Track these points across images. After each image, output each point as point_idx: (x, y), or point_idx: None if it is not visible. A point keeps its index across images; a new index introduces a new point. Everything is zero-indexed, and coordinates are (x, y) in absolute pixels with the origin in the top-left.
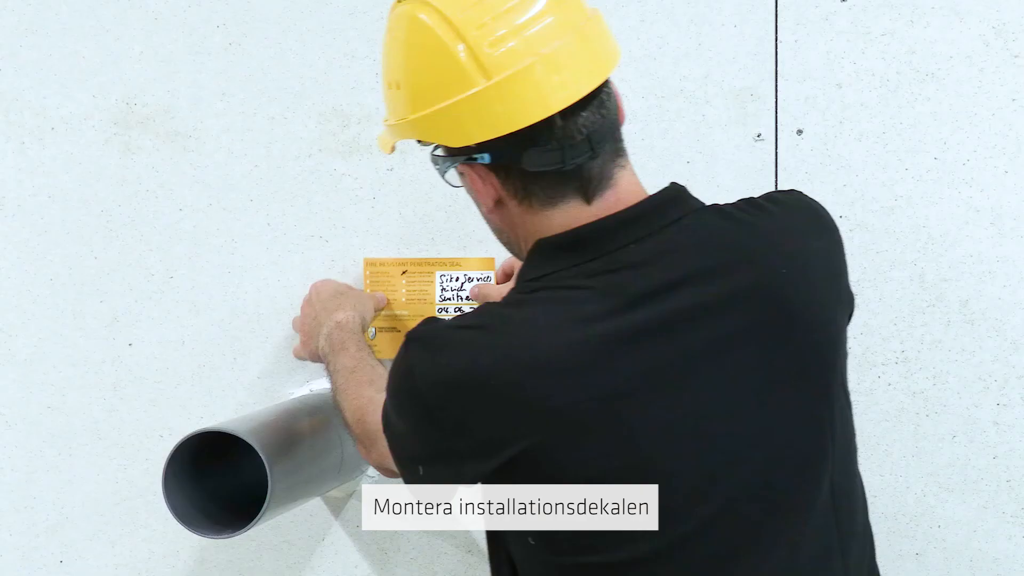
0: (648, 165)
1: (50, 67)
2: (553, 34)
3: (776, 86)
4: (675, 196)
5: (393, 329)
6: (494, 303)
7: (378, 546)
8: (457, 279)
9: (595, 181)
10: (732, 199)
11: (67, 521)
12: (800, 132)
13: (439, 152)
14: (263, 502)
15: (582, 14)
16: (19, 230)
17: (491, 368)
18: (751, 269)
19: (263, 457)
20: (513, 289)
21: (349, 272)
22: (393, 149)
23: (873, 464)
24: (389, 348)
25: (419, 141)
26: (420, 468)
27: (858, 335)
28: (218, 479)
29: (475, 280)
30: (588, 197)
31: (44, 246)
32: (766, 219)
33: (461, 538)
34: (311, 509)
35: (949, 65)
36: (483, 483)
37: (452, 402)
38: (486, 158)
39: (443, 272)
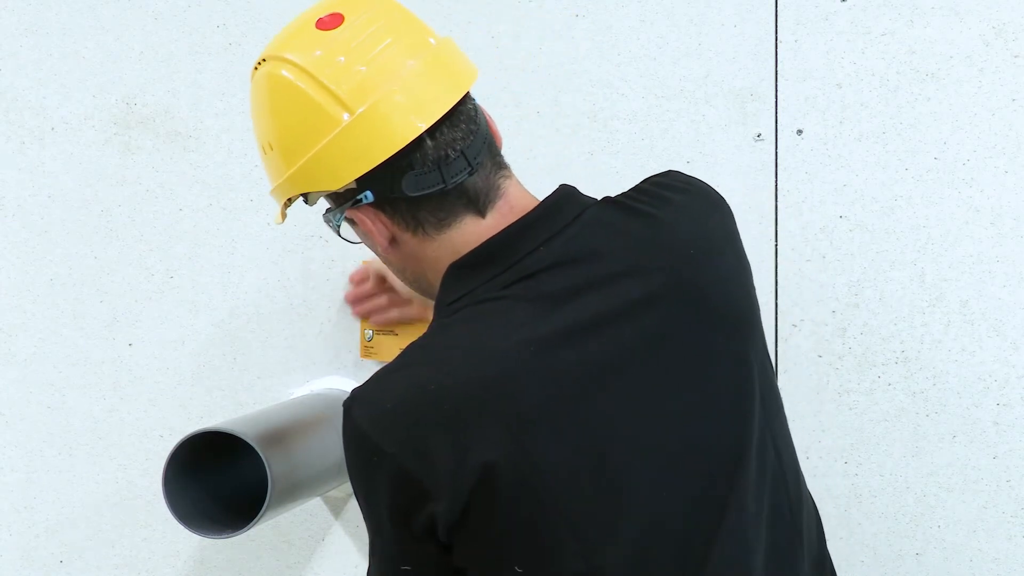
0: (648, 165)
1: (50, 67)
2: (404, 59)
3: (776, 86)
4: (568, 195)
5: (390, 332)
6: (415, 341)
7: None
8: None
9: (482, 195)
10: (732, 199)
11: (67, 521)
12: (800, 132)
13: (327, 207)
14: (263, 502)
15: (429, 38)
16: (19, 230)
17: (439, 392)
18: (665, 262)
19: (263, 457)
20: (433, 320)
21: (349, 272)
22: (284, 217)
23: (873, 464)
24: (387, 351)
25: (305, 200)
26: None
27: (858, 335)
28: (218, 479)
29: None
30: (481, 211)
31: (44, 246)
32: (669, 210)
33: None
34: (311, 509)
35: (949, 65)
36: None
37: (411, 436)
38: (369, 196)
39: None
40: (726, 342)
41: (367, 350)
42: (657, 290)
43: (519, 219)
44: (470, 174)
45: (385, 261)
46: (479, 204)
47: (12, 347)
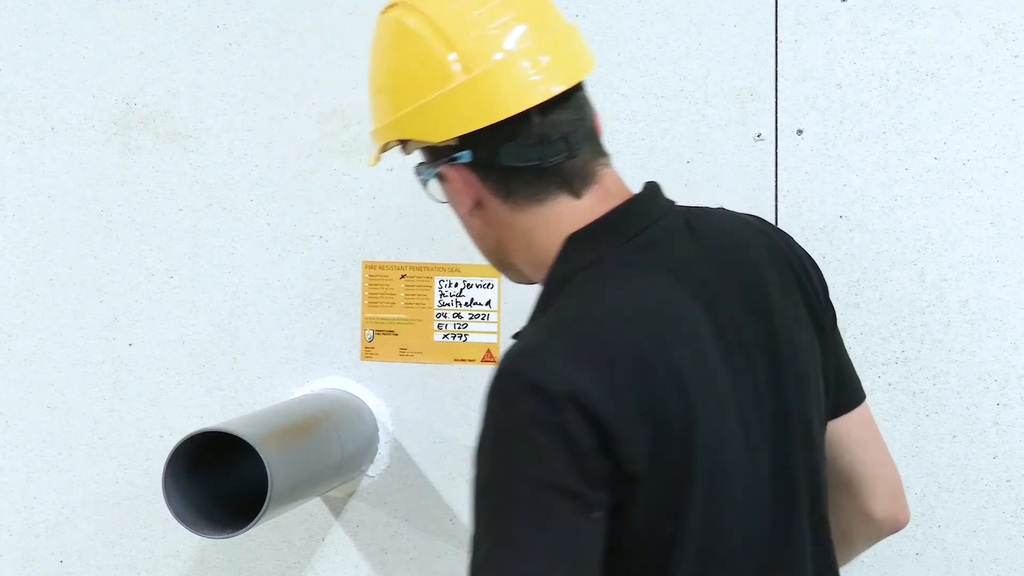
0: (648, 165)
1: (50, 67)
2: (529, 33)
3: (776, 86)
4: (660, 189)
5: (391, 332)
6: (563, 300)
7: (378, 546)
8: (456, 285)
9: (578, 178)
10: (732, 199)
11: (67, 521)
12: (800, 132)
13: (421, 159)
14: (263, 502)
15: (559, 22)
16: (19, 230)
17: (604, 338)
18: (753, 260)
19: (263, 457)
20: (551, 284)
21: (349, 273)
22: (377, 160)
23: None
24: (387, 351)
25: (402, 148)
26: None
27: (858, 335)
28: (218, 479)
29: (474, 286)
30: (576, 192)
31: (44, 246)
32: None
33: (461, 538)
34: (311, 509)
35: (949, 65)
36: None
37: (592, 378)
38: (466, 156)
39: (442, 277)
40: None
41: (367, 350)
42: (742, 282)
43: (625, 201)
44: (568, 158)
45: (466, 225)
46: (573, 186)
47: (12, 347)
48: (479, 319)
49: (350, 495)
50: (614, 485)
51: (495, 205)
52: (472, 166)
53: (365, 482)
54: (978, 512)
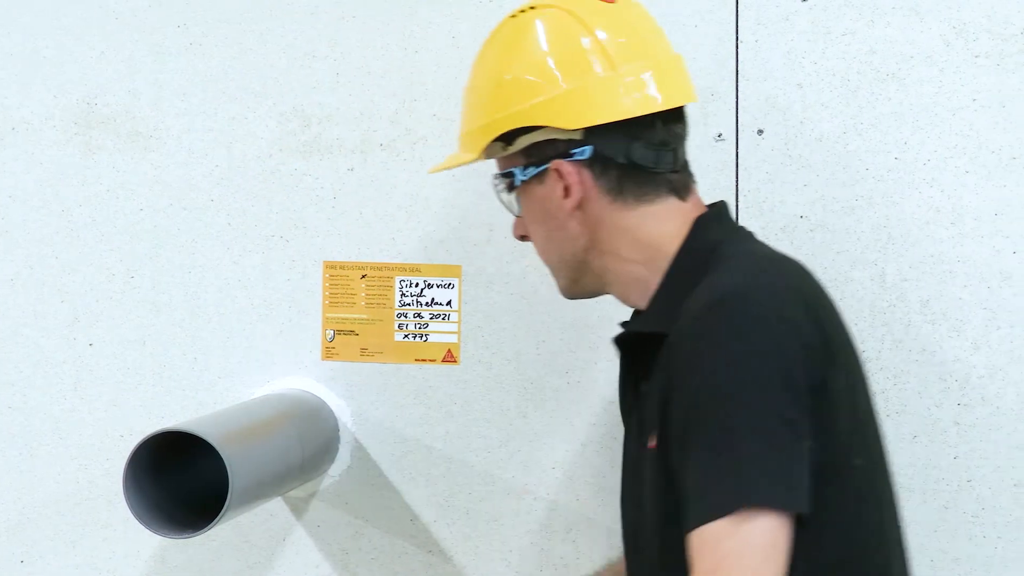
0: None
1: (10, 67)
2: (661, 47)
3: (737, 86)
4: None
5: (351, 332)
6: (727, 263)
7: (339, 546)
8: (417, 285)
9: (680, 187)
10: None
11: (28, 521)
12: (761, 132)
13: (505, 168)
14: (224, 502)
15: (671, 50)
16: None
17: (790, 282)
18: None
19: (224, 457)
20: (718, 250)
21: (310, 273)
22: (482, 155)
23: None
24: (348, 352)
25: (503, 144)
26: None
27: None
28: (179, 479)
29: (435, 286)
30: (681, 196)
31: (5, 246)
32: None
33: (422, 538)
34: (272, 509)
35: (910, 65)
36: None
37: (802, 306)
38: (587, 152)
39: (403, 277)
40: None
41: (328, 350)
42: None
43: (717, 203)
44: (673, 171)
45: (552, 229)
46: (679, 192)
47: None
48: (440, 319)
49: (311, 495)
50: (814, 416)
51: (601, 204)
52: (588, 163)
53: (326, 482)
54: (939, 512)
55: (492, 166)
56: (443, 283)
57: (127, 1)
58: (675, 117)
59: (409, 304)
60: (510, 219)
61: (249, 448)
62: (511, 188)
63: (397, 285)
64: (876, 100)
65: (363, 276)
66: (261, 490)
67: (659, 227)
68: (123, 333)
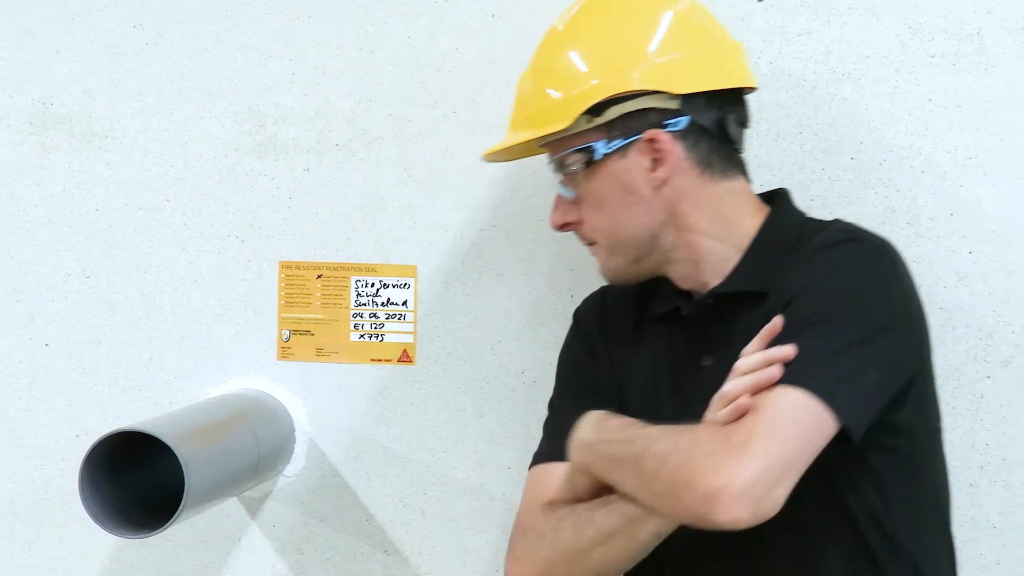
0: None
1: None
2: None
3: None
4: None
5: (307, 332)
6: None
7: (295, 546)
8: (372, 285)
9: (746, 168)
10: None
11: None
12: None
13: (608, 129)
14: (180, 502)
15: None
16: None
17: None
18: None
19: (179, 457)
20: (808, 219)
21: (265, 273)
22: (571, 122)
23: None
24: (304, 352)
25: (588, 116)
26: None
27: None
28: (135, 479)
29: (390, 286)
30: (748, 177)
31: None
32: None
33: (378, 537)
34: (227, 509)
35: (866, 65)
36: None
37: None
38: (682, 123)
39: (358, 277)
40: None
41: (284, 350)
42: None
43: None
44: (738, 152)
45: (627, 206)
46: (746, 173)
47: None
48: (395, 319)
49: (266, 495)
50: (923, 373)
51: (689, 177)
52: (682, 134)
53: (281, 482)
54: None
55: (439, 168)
56: (399, 283)
57: (83, 1)
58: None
59: (365, 304)
60: (465, 220)
61: (205, 448)
62: (588, 163)
63: (353, 285)
64: (832, 100)
65: (319, 276)
66: (217, 490)
67: (738, 204)
68: (79, 333)
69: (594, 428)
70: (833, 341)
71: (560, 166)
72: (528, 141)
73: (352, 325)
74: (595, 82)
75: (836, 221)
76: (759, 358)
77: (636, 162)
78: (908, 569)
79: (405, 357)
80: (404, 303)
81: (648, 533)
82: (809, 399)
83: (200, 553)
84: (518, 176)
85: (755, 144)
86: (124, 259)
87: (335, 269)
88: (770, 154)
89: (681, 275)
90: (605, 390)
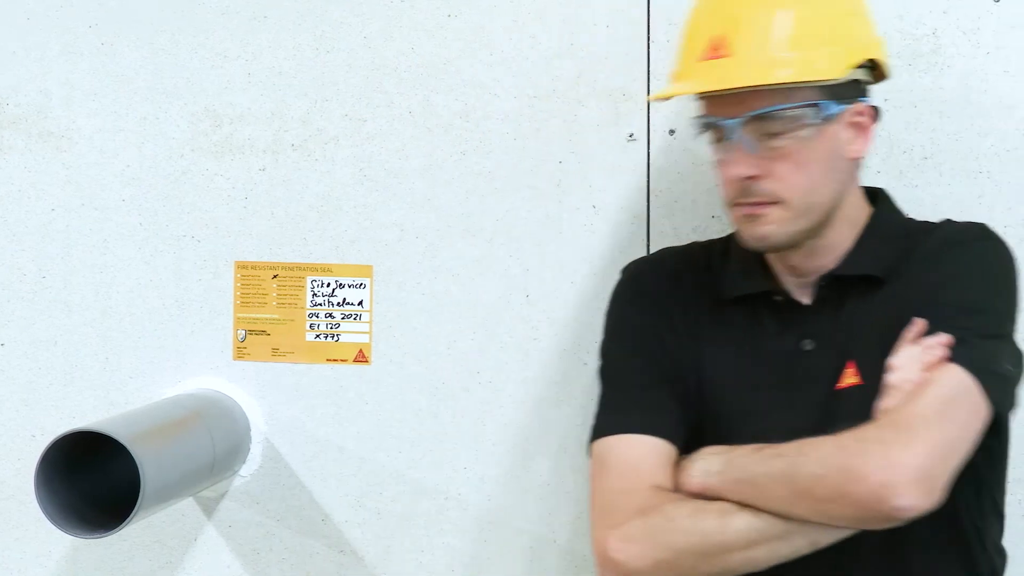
0: (520, 165)
1: None
2: None
3: (648, 86)
4: None
5: (263, 332)
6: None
7: (250, 546)
8: (328, 285)
9: None
10: (605, 199)
11: None
12: (672, 132)
13: (833, 91)
14: (136, 502)
15: None
16: None
17: None
18: None
19: (135, 457)
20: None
21: (221, 273)
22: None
23: None
24: (259, 352)
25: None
26: None
27: None
28: (90, 479)
29: (346, 286)
30: None
31: None
32: None
33: (334, 537)
34: (183, 509)
35: None
36: None
37: None
38: (870, 100)
39: (314, 277)
40: None
41: (239, 350)
42: None
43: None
44: None
45: (827, 172)
46: None
47: None
48: (351, 319)
49: (222, 495)
50: None
51: (863, 156)
52: (875, 111)
53: (237, 482)
54: None
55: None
56: (355, 283)
57: (39, 1)
58: None
59: (321, 304)
60: (421, 220)
61: (160, 448)
62: (811, 121)
63: (309, 285)
64: None
65: (275, 276)
66: (172, 490)
67: (860, 192)
68: (34, 333)
69: (720, 458)
70: (987, 330)
71: (773, 117)
72: (776, 85)
73: (308, 325)
74: (863, 40)
75: (949, 221)
76: (916, 349)
77: (843, 129)
78: (988, 566)
79: (361, 357)
80: (360, 303)
81: (803, 544)
82: (971, 382)
83: (156, 553)
84: (472, 177)
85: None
86: (80, 259)
87: (291, 269)
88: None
89: (805, 254)
90: (679, 361)
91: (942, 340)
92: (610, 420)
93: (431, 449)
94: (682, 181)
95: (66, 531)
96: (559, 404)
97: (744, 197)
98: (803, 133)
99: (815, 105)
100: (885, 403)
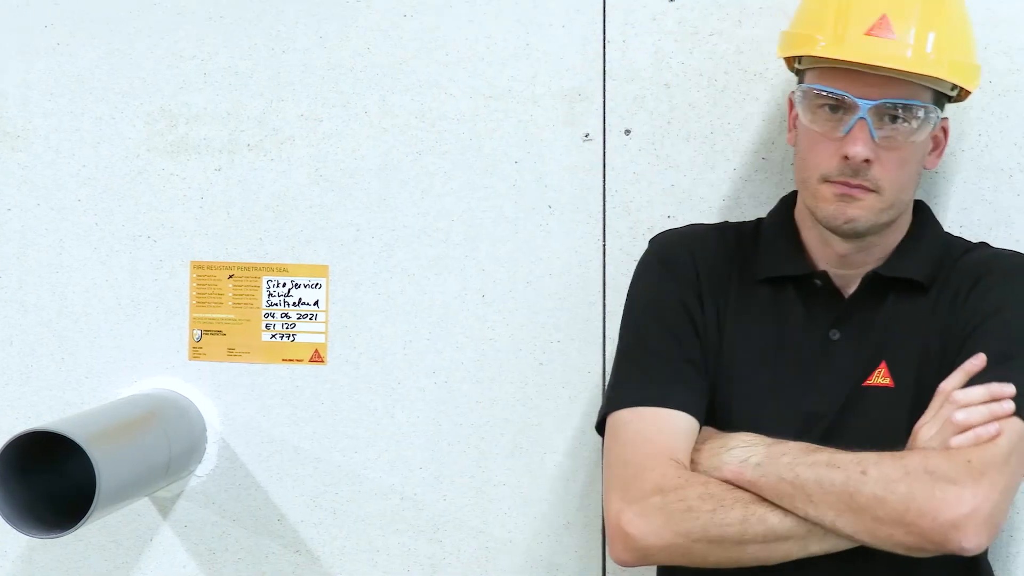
0: (476, 165)
1: None
2: None
3: (604, 86)
4: None
5: (218, 332)
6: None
7: (206, 546)
8: (284, 285)
9: None
10: (560, 199)
11: None
12: (628, 132)
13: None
14: (91, 502)
15: None
16: None
17: None
18: None
19: (91, 457)
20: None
21: (177, 273)
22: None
23: None
24: (215, 352)
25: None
26: None
27: None
28: (46, 479)
29: (302, 286)
30: None
31: None
32: None
33: (289, 538)
34: (139, 509)
35: (777, 65)
36: None
37: None
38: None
39: (270, 277)
40: None
41: (195, 350)
42: None
43: None
44: None
45: (913, 174)
46: None
47: None
48: (307, 319)
49: (178, 495)
50: None
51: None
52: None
53: (193, 482)
54: None
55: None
56: (310, 283)
57: None
58: None
59: (276, 304)
60: (376, 220)
61: (116, 448)
62: (928, 121)
63: (264, 285)
64: (743, 100)
65: (230, 276)
66: (128, 490)
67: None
68: None
69: (761, 450)
70: None
71: (905, 111)
72: (930, 81)
73: (264, 325)
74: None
75: (984, 244)
76: (983, 391)
77: (930, 139)
78: (988, 565)
79: (317, 357)
80: (316, 303)
81: (820, 549)
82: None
83: (112, 553)
84: (428, 177)
85: (666, 144)
86: (35, 259)
87: (247, 269)
88: (681, 154)
89: (863, 247)
90: (702, 335)
91: (1007, 391)
92: (630, 392)
93: (386, 449)
94: (637, 181)
95: (21, 531)
96: (515, 404)
97: (846, 176)
98: (916, 132)
99: (935, 109)
100: (955, 440)
